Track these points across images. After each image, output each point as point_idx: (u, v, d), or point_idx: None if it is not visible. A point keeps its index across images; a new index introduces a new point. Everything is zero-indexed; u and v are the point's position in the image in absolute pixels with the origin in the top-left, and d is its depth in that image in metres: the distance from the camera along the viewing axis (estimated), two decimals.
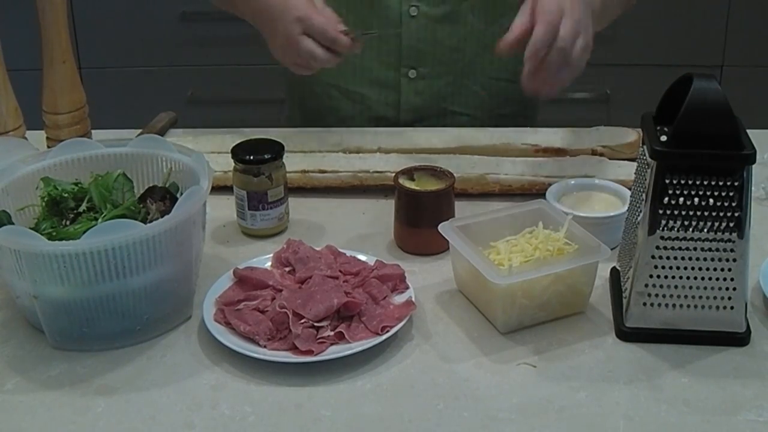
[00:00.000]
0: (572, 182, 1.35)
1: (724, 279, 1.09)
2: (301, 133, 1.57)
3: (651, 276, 1.09)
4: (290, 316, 1.10)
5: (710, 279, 1.09)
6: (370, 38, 1.47)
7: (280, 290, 1.16)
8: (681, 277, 1.09)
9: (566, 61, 1.24)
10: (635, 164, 1.16)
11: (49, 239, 1.08)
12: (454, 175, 1.30)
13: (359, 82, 1.63)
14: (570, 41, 1.23)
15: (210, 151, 1.49)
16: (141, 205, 1.20)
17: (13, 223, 1.16)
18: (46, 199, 1.21)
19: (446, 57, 1.59)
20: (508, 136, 1.53)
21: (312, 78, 1.58)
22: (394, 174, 1.43)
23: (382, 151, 1.50)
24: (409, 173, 1.31)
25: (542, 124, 1.57)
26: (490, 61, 1.60)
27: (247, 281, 1.19)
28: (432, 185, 1.29)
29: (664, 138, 1.07)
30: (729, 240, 1.07)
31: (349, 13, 1.52)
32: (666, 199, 1.07)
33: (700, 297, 1.10)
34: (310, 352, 1.08)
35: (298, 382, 1.07)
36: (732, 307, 1.10)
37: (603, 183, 1.34)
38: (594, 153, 1.49)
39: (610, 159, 1.48)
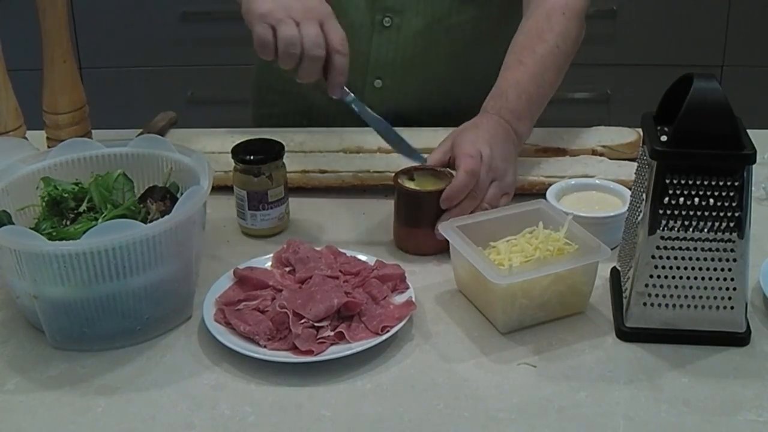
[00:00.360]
0: (572, 182, 1.35)
1: (724, 279, 1.09)
2: (301, 133, 1.57)
3: (651, 276, 1.09)
4: (290, 316, 1.10)
5: (710, 279, 1.09)
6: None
7: (280, 290, 1.16)
8: (681, 277, 1.09)
9: (481, 206, 1.27)
10: (635, 164, 1.16)
11: (49, 239, 1.08)
12: (454, 175, 1.30)
13: (318, 86, 1.60)
14: (483, 191, 1.27)
15: (210, 151, 1.49)
16: (141, 205, 1.20)
17: (13, 223, 1.16)
18: (46, 199, 1.21)
19: (411, 74, 1.57)
20: None
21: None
22: (394, 174, 1.43)
23: (382, 151, 1.50)
24: (409, 173, 1.31)
25: (542, 124, 1.57)
26: (460, 85, 1.58)
27: (247, 281, 1.19)
28: (432, 185, 1.29)
29: (664, 138, 1.07)
30: (729, 240, 1.07)
31: None
32: (666, 199, 1.07)
33: (700, 297, 1.10)
34: (310, 352, 1.08)
35: (298, 382, 1.07)
36: (732, 307, 1.10)
37: (603, 183, 1.34)
38: (594, 153, 1.49)
39: (610, 159, 1.48)
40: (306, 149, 1.52)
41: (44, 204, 1.21)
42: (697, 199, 1.06)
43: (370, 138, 1.53)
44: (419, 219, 1.25)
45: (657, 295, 1.10)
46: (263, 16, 1.24)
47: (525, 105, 1.37)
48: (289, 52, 1.23)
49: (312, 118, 1.67)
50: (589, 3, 1.48)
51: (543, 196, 1.30)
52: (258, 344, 1.10)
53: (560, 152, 1.49)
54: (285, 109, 1.71)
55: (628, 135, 1.52)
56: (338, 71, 1.24)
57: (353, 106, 1.30)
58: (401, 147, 1.33)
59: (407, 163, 1.41)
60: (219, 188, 1.39)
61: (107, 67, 2.77)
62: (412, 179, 1.31)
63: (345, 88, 1.27)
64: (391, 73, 1.58)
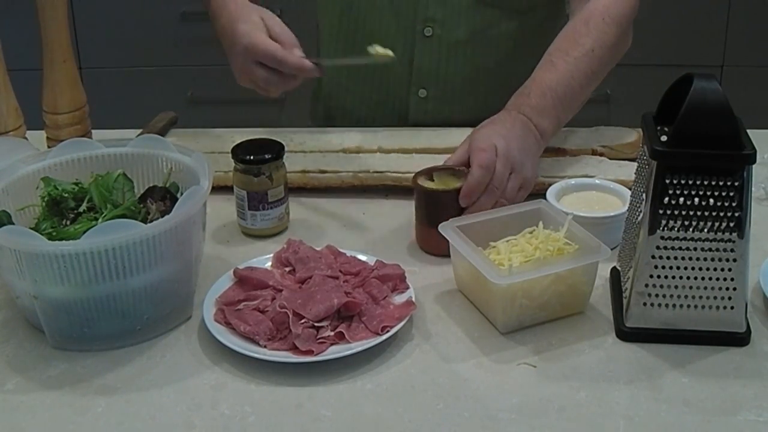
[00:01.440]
0: (572, 182, 1.35)
1: (724, 279, 1.09)
2: (301, 133, 1.57)
3: (651, 276, 1.09)
4: (290, 316, 1.10)
5: (710, 279, 1.09)
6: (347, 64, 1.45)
7: (281, 290, 1.16)
8: (681, 277, 1.09)
9: (499, 201, 1.28)
10: (635, 164, 1.16)
11: (49, 239, 1.08)
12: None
13: (374, 92, 1.62)
14: (503, 183, 1.27)
15: (210, 151, 1.49)
16: (141, 205, 1.20)
17: (13, 223, 1.16)
18: (46, 199, 1.21)
19: (458, 84, 1.58)
20: None
21: (331, 79, 1.60)
22: (394, 174, 1.43)
23: (382, 151, 1.50)
24: (428, 173, 1.31)
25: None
26: (503, 95, 1.55)
27: (247, 281, 1.19)
28: (451, 184, 1.29)
29: (664, 138, 1.07)
30: (729, 240, 1.07)
31: (359, 31, 1.54)
32: (666, 199, 1.07)
33: (700, 297, 1.10)
34: (310, 352, 1.08)
35: (298, 382, 1.07)
36: (732, 307, 1.10)
37: (603, 183, 1.34)
38: (594, 153, 1.49)
39: (610, 159, 1.48)
40: (306, 149, 1.52)
41: (44, 204, 1.21)
42: (697, 199, 1.06)
43: (369, 137, 1.54)
44: (439, 218, 1.24)
45: (657, 295, 1.10)
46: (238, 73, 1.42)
47: (550, 102, 1.37)
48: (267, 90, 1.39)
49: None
50: (633, 11, 1.49)
51: (543, 196, 1.29)
52: (258, 344, 1.10)
53: (560, 152, 1.49)
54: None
55: (628, 135, 1.52)
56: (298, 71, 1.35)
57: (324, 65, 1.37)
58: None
59: (408, 163, 1.42)
60: (219, 188, 1.39)
61: (107, 67, 2.77)
62: (431, 179, 1.30)
63: (310, 63, 1.34)
64: (434, 83, 1.58)
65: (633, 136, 1.51)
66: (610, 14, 1.45)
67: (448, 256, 1.21)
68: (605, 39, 1.43)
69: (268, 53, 1.33)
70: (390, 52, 1.33)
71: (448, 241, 1.18)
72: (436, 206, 1.27)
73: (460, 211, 1.25)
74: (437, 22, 1.53)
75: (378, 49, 1.34)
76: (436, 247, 1.27)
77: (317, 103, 1.76)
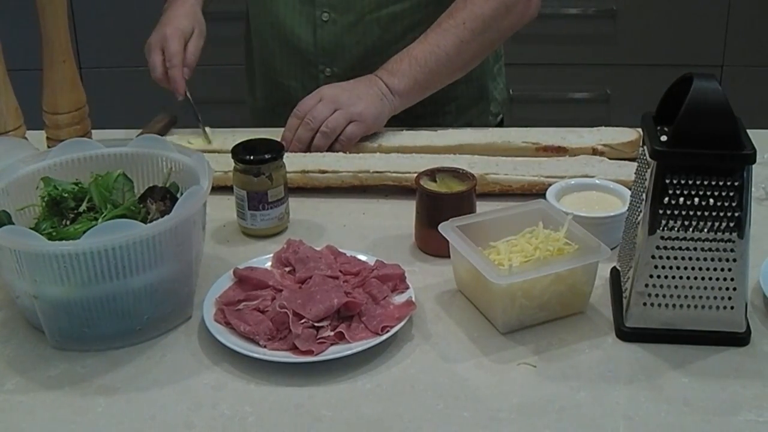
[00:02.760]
0: (572, 182, 1.35)
1: (724, 279, 1.09)
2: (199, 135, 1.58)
3: (651, 276, 1.09)
4: (290, 316, 1.10)
5: (710, 279, 1.09)
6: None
7: (281, 290, 1.16)
8: (681, 277, 1.09)
9: (321, 131, 1.50)
10: (635, 164, 1.16)
11: (49, 239, 1.08)
12: (476, 177, 1.31)
13: (287, 75, 1.73)
14: (318, 117, 1.50)
15: (210, 150, 1.49)
16: (141, 205, 1.20)
17: (13, 223, 1.16)
18: (46, 199, 1.21)
19: (356, 62, 1.66)
20: (508, 135, 1.53)
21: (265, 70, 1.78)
22: (394, 173, 1.43)
23: (383, 151, 1.50)
24: (430, 174, 1.31)
25: (543, 124, 1.57)
26: None
27: (247, 281, 1.19)
28: (454, 187, 1.29)
29: (664, 138, 1.07)
30: (729, 240, 1.07)
31: (269, 13, 1.68)
32: (666, 199, 1.07)
33: (700, 297, 1.10)
34: (310, 352, 1.08)
35: (298, 382, 1.07)
36: (732, 307, 1.10)
37: (603, 183, 1.34)
38: (595, 152, 1.50)
39: (610, 158, 1.48)
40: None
41: (44, 204, 1.21)
42: (697, 199, 1.06)
43: (370, 136, 1.54)
44: (440, 221, 1.25)
45: (657, 295, 1.10)
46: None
47: (406, 66, 1.54)
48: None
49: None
50: None
51: (543, 196, 1.30)
52: (258, 344, 1.10)
53: (561, 151, 1.49)
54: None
55: (628, 134, 1.52)
56: (171, 80, 1.64)
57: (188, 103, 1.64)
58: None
59: (407, 163, 1.42)
60: (219, 188, 1.39)
61: (107, 67, 2.77)
62: (434, 180, 1.31)
63: (182, 84, 1.64)
64: (336, 63, 1.67)
65: (633, 135, 1.51)
66: None
67: (448, 257, 1.21)
68: (479, 12, 1.56)
69: (171, 53, 1.60)
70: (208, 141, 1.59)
71: (448, 243, 1.18)
72: (437, 208, 1.27)
73: (463, 214, 1.25)
74: (331, 7, 1.64)
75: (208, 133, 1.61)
76: (436, 249, 1.27)
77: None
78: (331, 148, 1.51)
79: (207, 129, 1.61)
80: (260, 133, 1.52)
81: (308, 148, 1.51)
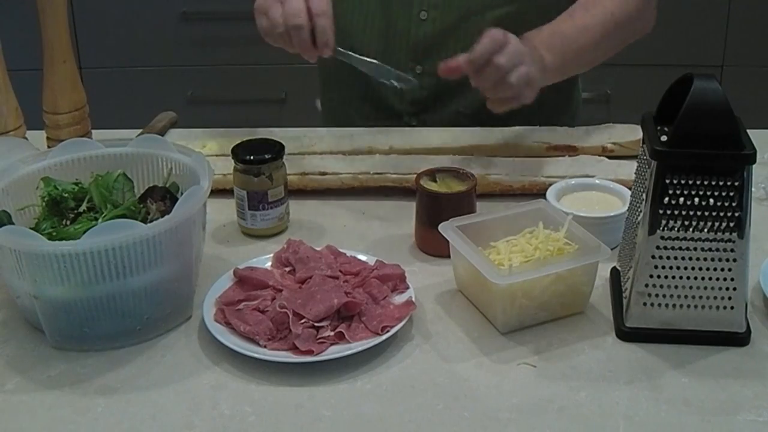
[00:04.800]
0: (572, 182, 1.35)
1: (724, 279, 1.09)
2: (310, 135, 1.57)
3: (651, 276, 1.09)
4: (290, 316, 1.10)
5: (710, 279, 1.09)
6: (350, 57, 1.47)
7: (281, 290, 1.16)
8: (681, 277, 1.09)
9: (503, 79, 1.31)
10: (635, 164, 1.16)
11: (49, 239, 1.08)
12: (476, 177, 1.31)
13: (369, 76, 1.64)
14: (509, 63, 1.30)
15: (209, 153, 1.49)
16: (141, 205, 1.20)
17: (13, 223, 1.16)
18: (46, 199, 1.21)
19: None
20: (518, 135, 1.53)
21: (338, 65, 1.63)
22: (394, 175, 1.43)
23: (394, 152, 1.50)
24: (431, 174, 1.31)
25: (543, 124, 1.57)
26: None
27: (247, 281, 1.19)
28: (454, 187, 1.29)
29: (664, 138, 1.07)
30: (729, 240, 1.07)
31: (361, 13, 1.60)
32: (666, 199, 1.07)
33: (700, 297, 1.10)
34: (310, 352, 1.08)
35: (298, 382, 1.07)
36: (732, 307, 1.10)
37: (603, 183, 1.34)
38: (604, 150, 1.50)
39: (619, 156, 1.49)
40: (317, 150, 1.52)
41: (44, 204, 1.21)
42: (697, 199, 1.06)
43: (381, 138, 1.53)
44: (440, 220, 1.25)
45: (657, 295, 1.10)
46: (258, 8, 1.38)
47: (558, 43, 1.43)
48: (276, 31, 1.35)
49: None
50: None
51: (543, 196, 1.30)
52: (258, 344, 1.10)
53: (571, 150, 1.50)
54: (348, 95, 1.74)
55: (637, 132, 1.52)
56: (319, 32, 1.34)
57: (343, 58, 1.42)
58: (392, 75, 1.44)
59: (408, 163, 1.42)
60: (217, 191, 1.38)
61: (107, 67, 2.77)
62: (434, 180, 1.31)
63: (337, 48, 1.38)
64: (429, 61, 1.61)
65: (642, 132, 1.51)
66: None
67: (448, 257, 1.21)
68: (626, 7, 1.48)
69: (320, 7, 1.34)
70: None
71: (448, 243, 1.18)
72: (437, 208, 1.27)
73: (462, 215, 1.25)
74: (432, 6, 1.57)
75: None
76: (436, 249, 1.27)
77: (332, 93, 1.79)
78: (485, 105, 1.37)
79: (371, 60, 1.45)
80: (260, 133, 1.52)
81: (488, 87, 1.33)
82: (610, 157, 1.49)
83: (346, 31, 1.64)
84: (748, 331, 1.12)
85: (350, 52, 1.43)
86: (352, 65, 1.43)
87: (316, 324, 1.10)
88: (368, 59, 1.44)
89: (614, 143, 1.51)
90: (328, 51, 1.36)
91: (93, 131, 1.54)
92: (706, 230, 1.07)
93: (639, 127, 1.51)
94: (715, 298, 1.09)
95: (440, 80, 1.56)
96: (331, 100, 1.79)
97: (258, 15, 1.38)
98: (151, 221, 1.15)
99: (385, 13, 1.61)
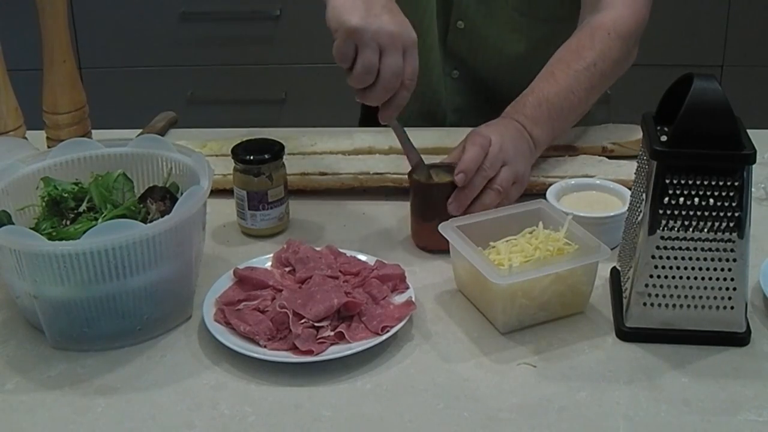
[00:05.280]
0: (572, 182, 1.35)
1: (724, 279, 1.09)
2: (311, 134, 1.58)
3: (651, 276, 1.09)
4: (290, 316, 1.10)
5: (710, 279, 1.09)
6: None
7: (281, 290, 1.16)
8: (681, 277, 1.09)
9: (490, 186, 1.29)
10: (635, 164, 1.16)
11: (49, 239, 1.08)
12: None
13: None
14: (495, 167, 1.29)
15: (209, 153, 1.48)
16: (141, 205, 1.20)
17: (13, 223, 1.16)
18: (46, 199, 1.21)
19: (490, 72, 1.63)
20: None
21: None
22: (394, 175, 1.43)
23: (394, 152, 1.50)
24: (424, 171, 1.31)
25: None
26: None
27: (247, 281, 1.19)
28: (446, 178, 1.29)
29: (664, 138, 1.07)
30: (729, 240, 1.07)
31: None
32: (666, 199, 1.07)
33: (700, 297, 1.10)
34: (310, 352, 1.08)
35: (298, 382, 1.07)
36: (732, 307, 1.10)
37: (603, 183, 1.34)
38: (604, 150, 1.50)
39: (619, 156, 1.49)
40: (317, 150, 1.52)
41: (44, 204, 1.21)
42: (697, 199, 1.06)
43: (381, 138, 1.53)
44: (433, 212, 1.24)
45: (657, 295, 1.10)
46: (350, 34, 1.19)
47: (545, 113, 1.38)
48: (365, 78, 1.21)
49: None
50: (640, 27, 1.48)
51: (543, 196, 1.30)
52: (258, 344, 1.10)
53: (571, 149, 1.50)
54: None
55: (637, 132, 1.52)
56: (396, 105, 1.25)
57: (396, 131, 1.32)
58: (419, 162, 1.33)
59: (407, 163, 1.41)
60: (217, 191, 1.38)
61: (107, 67, 2.77)
62: (429, 177, 1.31)
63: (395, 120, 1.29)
64: (466, 67, 1.64)
65: (641, 132, 1.51)
66: (617, 29, 1.44)
67: (442, 251, 1.21)
68: (608, 54, 1.43)
69: (413, 65, 1.23)
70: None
71: (440, 236, 1.18)
72: (429, 199, 1.27)
73: None
74: (469, 18, 1.58)
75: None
76: (429, 242, 1.27)
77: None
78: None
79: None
80: (260, 133, 1.52)
81: (474, 201, 1.29)
82: (610, 157, 1.49)
83: None
84: (748, 331, 1.12)
85: (404, 131, 1.33)
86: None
87: (316, 324, 1.10)
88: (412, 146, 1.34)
89: (614, 143, 1.51)
90: (387, 120, 1.27)
91: (93, 131, 1.54)
92: (706, 230, 1.07)
93: (639, 127, 1.52)
94: (715, 298, 1.09)
95: (475, 85, 1.57)
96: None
97: (343, 38, 1.20)
98: (151, 221, 1.15)
99: (423, 20, 1.60)
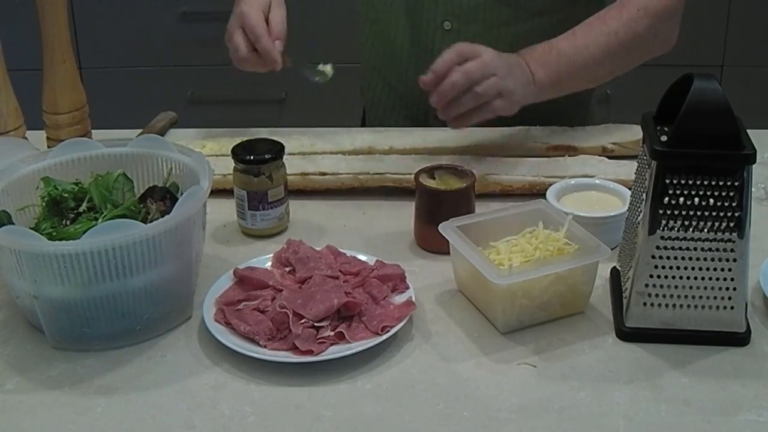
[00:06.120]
0: (572, 182, 1.35)
1: (724, 279, 1.09)
2: (310, 134, 1.57)
3: (651, 276, 1.09)
4: (290, 316, 1.10)
5: (710, 279, 1.09)
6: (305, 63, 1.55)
7: (281, 290, 1.16)
8: (681, 277, 1.09)
9: (473, 90, 1.35)
10: (635, 164, 1.16)
11: (49, 239, 1.08)
12: (475, 175, 1.31)
13: (402, 81, 1.68)
14: (479, 77, 1.35)
15: (209, 153, 1.48)
16: (141, 205, 1.20)
17: (13, 223, 1.16)
18: (46, 199, 1.21)
19: None
20: (519, 135, 1.54)
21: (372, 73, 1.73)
22: (394, 175, 1.43)
23: (394, 152, 1.50)
24: (429, 172, 1.32)
25: (550, 123, 1.58)
26: None
27: (247, 281, 1.19)
28: (453, 184, 1.29)
29: (664, 138, 1.07)
30: (729, 240, 1.07)
31: (390, 22, 1.63)
32: (666, 199, 1.07)
33: (700, 297, 1.10)
34: (310, 352, 1.08)
35: (298, 382, 1.07)
36: (732, 307, 1.10)
37: (603, 183, 1.34)
38: (604, 150, 1.50)
39: (619, 156, 1.49)
40: (317, 150, 1.52)
41: (44, 204, 1.21)
42: (697, 199, 1.06)
43: (380, 138, 1.53)
44: (440, 217, 1.24)
45: (657, 295, 1.10)
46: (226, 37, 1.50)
47: (554, 58, 1.44)
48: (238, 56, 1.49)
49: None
50: (673, 8, 1.52)
51: (543, 196, 1.30)
52: (258, 344, 1.10)
53: (571, 149, 1.50)
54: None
55: (637, 132, 1.53)
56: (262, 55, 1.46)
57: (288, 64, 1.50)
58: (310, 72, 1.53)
59: (408, 164, 1.42)
60: (217, 191, 1.38)
61: (107, 67, 2.77)
62: (432, 177, 1.31)
63: (278, 53, 1.47)
64: None
65: (641, 132, 1.51)
66: (647, 7, 1.48)
67: (447, 253, 1.21)
68: (633, 26, 1.47)
69: (252, 25, 1.45)
70: (328, 70, 1.53)
71: (447, 241, 1.18)
72: (436, 205, 1.27)
73: (459, 212, 1.25)
74: (456, 17, 1.59)
75: (324, 68, 1.54)
76: (435, 246, 1.27)
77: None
78: (459, 117, 1.39)
79: (323, 66, 1.54)
80: (260, 133, 1.52)
81: (450, 103, 1.37)
82: (610, 157, 1.49)
83: (381, 40, 1.69)
84: (748, 331, 1.12)
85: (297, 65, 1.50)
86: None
87: (316, 324, 1.10)
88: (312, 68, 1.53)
89: (614, 143, 1.51)
90: (278, 67, 1.47)
91: (93, 131, 1.54)
92: (706, 230, 1.07)
93: (639, 127, 1.52)
94: (715, 298, 1.09)
95: None
96: (372, 102, 1.81)
97: (227, 35, 1.49)
98: (151, 221, 1.15)
99: (411, 22, 1.62)
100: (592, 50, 1.45)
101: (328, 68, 1.53)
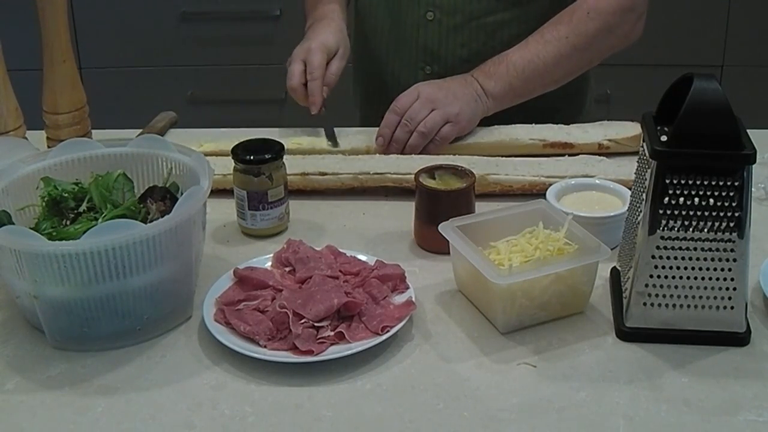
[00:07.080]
0: (572, 182, 1.35)
1: (724, 279, 1.09)
2: (308, 134, 1.57)
3: (651, 276, 1.09)
4: (290, 316, 1.10)
5: (710, 279, 1.09)
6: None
7: (281, 290, 1.16)
8: (681, 277, 1.09)
9: (418, 130, 1.49)
10: (635, 164, 1.16)
11: (49, 239, 1.08)
12: (475, 174, 1.31)
13: (386, 70, 1.73)
14: (416, 117, 1.49)
15: (208, 154, 1.48)
16: (141, 205, 1.20)
17: (13, 223, 1.16)
18: (46, 199, 1.21)
19: (457, 64, 1.65)
20: (516, 133, 1.54)
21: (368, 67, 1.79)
22: (394, 175, 1.43)
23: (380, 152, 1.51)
24: (430, 172, 1.32)
25: (548, 121, 1.58)
26: None
27: (247, 281, 1.19)
28: (453, 184, 1.30)
29: (664, 138, 1.07)
30: (729, 240, 1.07)
31: (372, 14, 1.68)
32: (666, 199, 1.07)
33: (700, 297, 1.10)
34: (310, 352, 1.08)
35: (298, 382, 1.07)
36: (732, 307, 1.10)
37: (603, 183, 1.34)
38: (600, 147, 1.50)
39: (615, 153, 1.49)
40: (317, 150, 1.51)
41: (44, 204, 1.21)
42: (697, 199, 1.06)
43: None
44: (440, 217, 1.24)
45: (657, 295, 1.10)
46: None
47: (503, 70, 1.54)
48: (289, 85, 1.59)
49: None
50: (631, 3, 1.57)
51: (543, 196, 1.30)
52: (258, 344, 1.10)
53: (568, 147, 1.50)
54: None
55: (632, 128, 1.54)
56: (309, 92, 1.57)
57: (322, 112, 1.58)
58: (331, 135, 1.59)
59: (408, 164, 1.41)
60: (217, 191, 1.38)
61: (107, 67, 2.77)
62: (432, 178, 1.31)
63: (319, 98, 1.57)
64: (437, 62, 1.68)
65: (637, 129, 1.52)
66: (597, 9, 1.55)
67: (447, 253, 1.21)
68: (583, 29, 1.55)
69: (313, 65, 1.57)
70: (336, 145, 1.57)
71: (447, 241, 1.18)
72: (436, 205, 1.27)
73: (459, 212, 1.25)
74: (437, 7, 1.63)
75: (337, 141, 1.57)
76: (435, 246, 1.27)
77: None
78: (424, 149, 1.51)
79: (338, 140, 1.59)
80: (260, 133, 1.51)
81: (404, 148, 1.51)
82: (607, 154, 1.49)
83: (363, 33, 1.74)
84: (748, 331, 1.12)
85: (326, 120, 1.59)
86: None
87: (316, 324, 1.10)
88: (333, 133, 1.59)
89: (610, 140, 1.52)
90: (314, 110, 1.57)
91: (93, 131, 1.54)
92: (706, 230, 1.07)
93: (633, 124, 1.54)
94: (715, 298, 1.09)
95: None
96: (363, 98, 1.84)
97: (287, 65, 1.60)
98: (151, 221, 1.15)
99: (393, 13, 1.66)
100: (543, 57, 1.54)
101: (338, 143, 1.57)
